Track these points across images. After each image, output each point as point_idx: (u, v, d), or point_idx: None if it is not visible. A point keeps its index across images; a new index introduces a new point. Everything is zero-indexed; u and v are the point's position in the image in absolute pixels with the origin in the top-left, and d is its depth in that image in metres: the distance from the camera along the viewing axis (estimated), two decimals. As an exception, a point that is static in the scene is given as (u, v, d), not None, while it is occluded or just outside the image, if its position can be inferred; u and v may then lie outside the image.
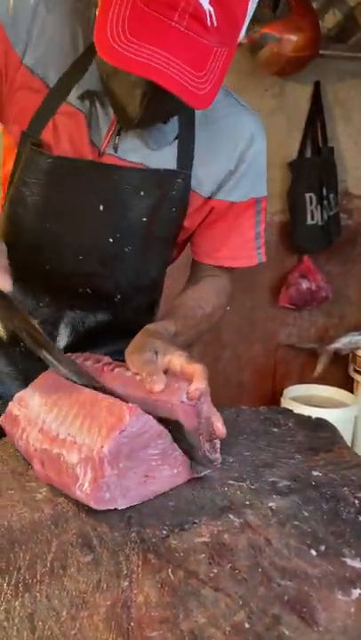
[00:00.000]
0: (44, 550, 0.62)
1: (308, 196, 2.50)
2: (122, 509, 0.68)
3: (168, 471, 0.73)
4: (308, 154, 2.57)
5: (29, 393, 0.83)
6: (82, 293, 1.01)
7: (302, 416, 0.95)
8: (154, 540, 0.63)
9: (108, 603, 0.55)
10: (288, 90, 2.55)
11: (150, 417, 0.70)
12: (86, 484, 0.67)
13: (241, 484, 0.74)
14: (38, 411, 0.79)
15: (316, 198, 2.49)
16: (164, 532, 0.64)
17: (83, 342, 1.03)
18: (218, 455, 0.79)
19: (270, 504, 0.69)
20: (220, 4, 0.70)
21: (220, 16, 0.70)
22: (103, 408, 0.72)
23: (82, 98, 0.90)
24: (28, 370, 0.93)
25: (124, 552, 0.62)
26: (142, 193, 0.93)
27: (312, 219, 2.50)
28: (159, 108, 0.80)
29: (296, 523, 0.67)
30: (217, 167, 0.98)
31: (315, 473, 0.76)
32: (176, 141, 0.95)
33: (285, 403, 2.53)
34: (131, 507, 0.69)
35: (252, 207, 1.04)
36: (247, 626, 0.53)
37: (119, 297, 1.02)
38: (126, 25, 0.70)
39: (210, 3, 0.69)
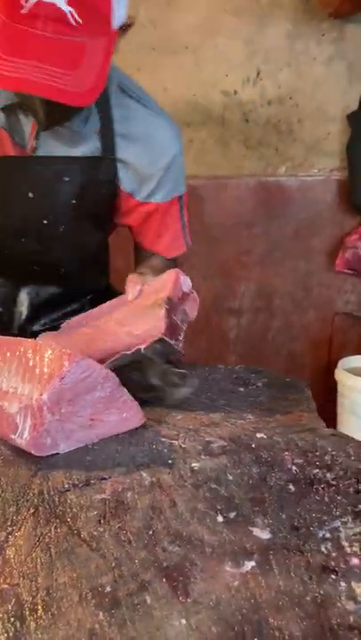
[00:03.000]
0: None
1: (368, 150, 2.29)
2: (35, 460, 0.65)
3: (116, 415, 0.70)
4: (371, 104, 2.35)
5: None
6: (30, 270, 1.09)
7: (277, 377, 0.87)
8: (52, 493, 0.59)
9: (-22, 553, 0.52)
10: (348, 34, 2.32)
11: (93, 361, 0.67)
12: (26, 432, 0.65)
13: (173, 441, 0.68)
14: None
15: (377, 153, 2.28)
16: (66, 485, 0.60)
17: (41, 311, 1.14)
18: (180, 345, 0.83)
19: (193, 464, 0.63)
20: (79, 1, 0.75)
21: (82, 12, 0.75)
22: (43, 357, 0.69)
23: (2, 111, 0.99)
24: None
25: (16, 503, 0.58)
26: (66, 179, 1.00)
27: (373, 176, 2.29)
28: (62, 108, 0.83)
29: (214, 486, 0.60)
30: (137, 170, 1.04)
31: (259, 435, 0.68)
32: (98, 134, 1.01)
33: (340, 374, 2.39)
34: (46, 458, 0.65)
35: (176, 204, 1.09)
36: (108, 589, 0.47)
37: (63, 270, 1.10)
38: None
39: (68, 3, 0.74)
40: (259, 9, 2.27)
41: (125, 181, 1.04)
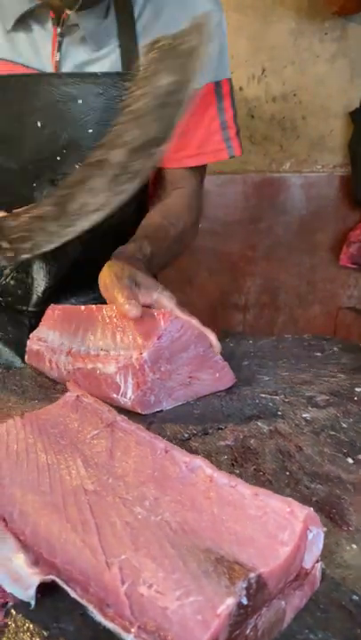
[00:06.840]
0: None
1: (371, 147, 2.34)
2: (142, 417, 0.64)
3: (210, 374, 0.70)
4: (373, 102, 2.41)
5: (43, 330, 0.81)
6: None
7: (350, 342, 0.88)
8: (174, 442, 0.59)
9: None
10: (351, 32, 2.38)
11: (186, 320, 0.67)
12: (129, 391, 0.64)
13: (275, 397, 0.68)
14: (60, 340, 0.77)
15: (380, 149, 2.33)
16: (186, 435, 0.60)
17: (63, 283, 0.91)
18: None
19: (305, 415, 0.63)
20: None
21: None
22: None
23: (12, 31, 0.86)
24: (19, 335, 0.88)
25: (140, 452, 0.57)
26: (80, 101, 0.84)
27: (376, 171, 2.34)
28: None
29: (333, 433, 0.60)
30: None
31: (358, 389, 0.69)
32: (118, 47, 0.86)
33: (345, 366, 2.42)
34: (153, 414, 0.65)
35: (212, 94, 0.92)
36: (267, 523, 0.47)
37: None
38: None
39: None
40: (263, 7, 2.31)
41: None
